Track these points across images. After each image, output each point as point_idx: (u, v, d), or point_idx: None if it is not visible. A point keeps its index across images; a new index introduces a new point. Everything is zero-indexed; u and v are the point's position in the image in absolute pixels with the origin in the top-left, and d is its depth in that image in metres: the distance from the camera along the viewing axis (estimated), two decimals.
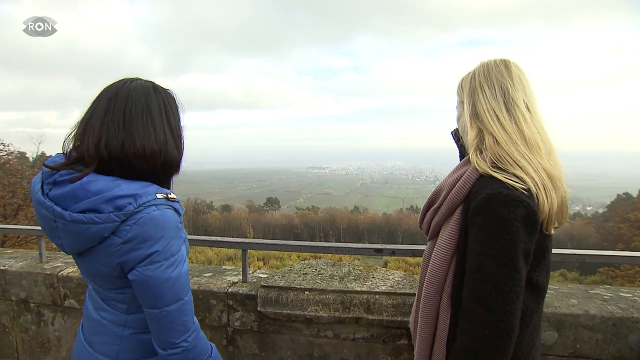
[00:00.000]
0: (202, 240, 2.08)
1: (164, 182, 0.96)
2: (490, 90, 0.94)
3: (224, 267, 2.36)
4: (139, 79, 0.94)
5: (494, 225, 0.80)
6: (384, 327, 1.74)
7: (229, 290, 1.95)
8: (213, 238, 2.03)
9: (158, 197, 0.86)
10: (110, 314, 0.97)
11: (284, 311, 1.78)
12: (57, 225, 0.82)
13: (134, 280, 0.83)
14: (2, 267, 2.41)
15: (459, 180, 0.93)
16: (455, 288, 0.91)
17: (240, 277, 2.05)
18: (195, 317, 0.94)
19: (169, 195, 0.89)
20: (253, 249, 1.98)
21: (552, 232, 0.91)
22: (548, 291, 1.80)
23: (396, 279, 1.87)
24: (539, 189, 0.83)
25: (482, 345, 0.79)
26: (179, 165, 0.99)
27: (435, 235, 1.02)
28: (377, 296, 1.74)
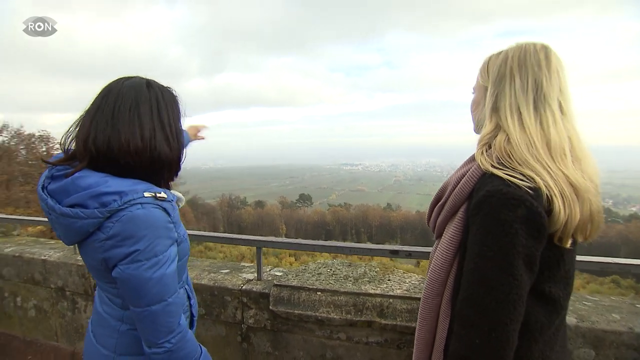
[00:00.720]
0: (219, 237, 2.11)
1: (157, 180, 0.95)
2: (521, 82, 0.82)
3: (242, 264, 2.38)
4: (136, 77, 0.94)
5: (491, 225, 0.73)
6: (399, 333, 1.66)
7: (243, 287, 1.96)
8: (229, 235, 2.05)
9: (145, 195, 0.85)
10: (110, 308, 0.99)
11: (296, 311, 1.75)
12: (52, 218, 0.85)
13: (117, 278, 0.84)
14: (43, 257, 2.60)
15: (463, 177, 0.86)
16: (456, 291, 0.85)
17: (256, 275, 2.05)
18: (183, 319, 0.93)
19: (158, 195, 0.87)
20: (267, 247, 1.97)
21: (568, 245, 0.79)
22: (585, 303, 1.64)
23: (413, 282, 1.77)
24: (554, 194, 0.73)
25: (472, 353, 0.73)
26: (175, 163, 0.98)
27: (440, 235, 0.95)
28: (391, 300, 1.66)
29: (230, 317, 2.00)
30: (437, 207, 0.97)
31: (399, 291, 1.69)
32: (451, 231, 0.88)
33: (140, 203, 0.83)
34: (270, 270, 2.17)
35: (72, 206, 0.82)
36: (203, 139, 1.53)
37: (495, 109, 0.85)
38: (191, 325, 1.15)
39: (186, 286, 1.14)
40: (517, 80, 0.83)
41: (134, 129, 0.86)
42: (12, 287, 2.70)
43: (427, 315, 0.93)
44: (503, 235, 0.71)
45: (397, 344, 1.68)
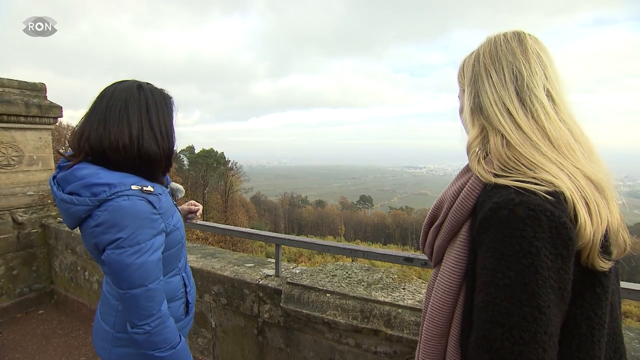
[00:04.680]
0: (239, 231, 2.20)
1: (149, 174, 1.02)
2: (498, 76, 0.73)
3: (268, 259, 2.45)
4: (130, 80, 1.03)
5: (504, 245, 0.58)
6: (409, 346, 1.56)
7: (260, 282, 2.02)
8: (250, 230, 2.13)
9: (132, 188, 0.93)
10: (110, 288, 1.09)
11: (304, 311, 1.75)
12: (56, 203, 0.97)
13: (104, 261, 0.92)
14: None
15: (461, 190, 0.73)
16: (465, 331, 0.70)
17: (275, 271, 2.10)
18: (165, 305, 0.98)
19: (144, 188, 0.95)
20: (285, 245, 2.00)
21: (602, 266, 0.63)
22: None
23: None
24: (575, 199, 0.60)
25: None
26: (165, 160, 1.04)
27: (440, 262, 0.82)
28: (399, 310, 1.56)
29: (248, 309, 2.07)
30: (432, 228, 0.83)
31: (410, 302, 1.59)
32: (453, 256, 0.73)
33: (127, 195, 0.91)
34: (292, 268, 2.20)
35: (70, 194, 0.92)
36: (196, 219, 1.48)
37: (478, 109, 0.75)
38: (187, 312, 1.21)
39: (183, 273, 1.20)
40: (493, 75, 0.73)
41: (122, 128, 0.94)
42: (83, 262, 3.15)
43: None
44: (521, 256, 0.56)
45: (407, 357, 1.58)
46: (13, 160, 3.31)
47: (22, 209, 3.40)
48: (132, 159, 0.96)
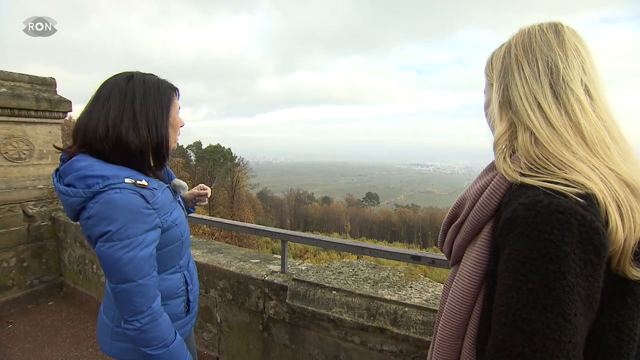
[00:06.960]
0: (246, 227, 2.19)
1: (138, 166, 0.99)
2: (530, 69, 0.69)
3: (274, 255, 2.45)
4: (126, 72, 1.01)
5: (530, 248, 0.55)
6: (415, 345, 1.54)
7: (266, 278, 2.01)
8: (256, 226, 2.12)
9: (126, 181, 0.91)
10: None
11: (309, 307, 1.74)
12: (57, 194, 0.97)
13: (96, 253, 0.92)
14: None
15: (485, 189, 0.70)
16: (482, 333, 0.68)
17: (280, 267, 2.09)
18: (157, 302, 0.96)
19: (138, 182, 0.93)
20: (291, 241, 1.99)
21: (634, 275, 0.59)
22: None
23: (436, 292, 1.63)
24: (607, 202, 0.57)
25: None
26: (148, 151, 1.00)
27: (459, 261, 0.79)
28: (406, 308, 1.54)
29: (253, 305, 2.07)
30: (452, 227, 0.79)
31: (417, 300, 1.57)
32: (474, 256, 0.70)
33: (119, 188, 0.89)
34: (298, 265, 2.20)
35: (67, 185, 0.92)
36: (204, 202, 1.46)
37: (507, 103, 0.70)
38: (188, 310, 1.19)
39: (185, 271, 1.18)
40: (525, 67, 0.69)
41: (101, 117, 0.94)
42: (91, 256, 3.19)
43: None
44: (547, 261, 0.53)
45: (413, 356, 1.57)
46: (24, 153, 3.35)
47: (33, 202, 3.44)
48: (110, 147, 0.94)
